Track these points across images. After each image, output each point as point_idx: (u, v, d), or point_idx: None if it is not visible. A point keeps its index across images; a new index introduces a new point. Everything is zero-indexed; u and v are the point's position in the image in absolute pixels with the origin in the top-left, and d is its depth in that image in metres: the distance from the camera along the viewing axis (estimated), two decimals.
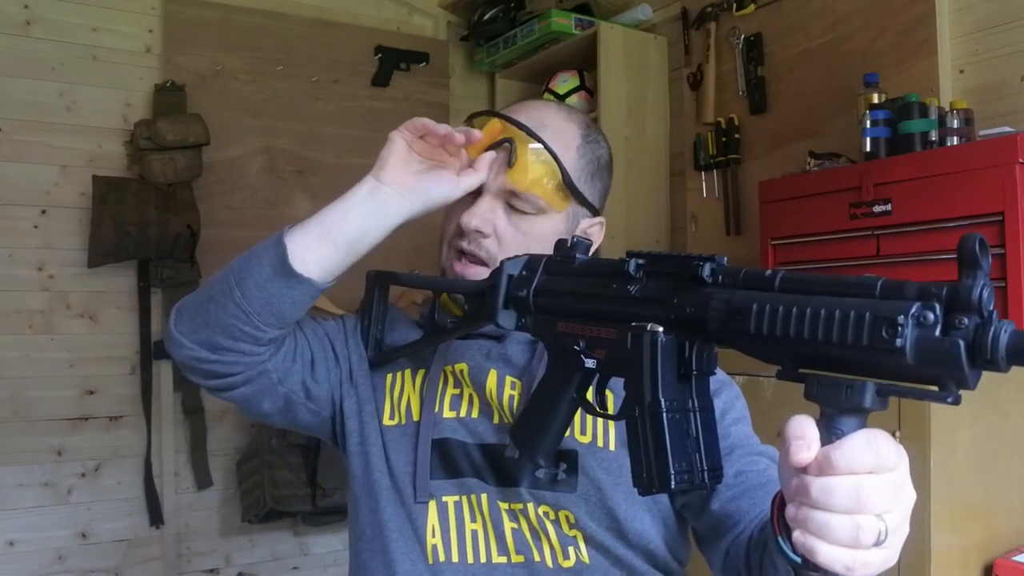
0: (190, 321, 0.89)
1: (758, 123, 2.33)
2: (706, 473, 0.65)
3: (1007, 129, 1.61)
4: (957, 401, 0.49)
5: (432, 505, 0.92)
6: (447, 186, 0.92)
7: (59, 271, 2.43)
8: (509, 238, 0.94)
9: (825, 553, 0.52)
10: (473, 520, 0.92)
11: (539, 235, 0.95)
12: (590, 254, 1.03)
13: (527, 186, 0.93)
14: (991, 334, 0.47)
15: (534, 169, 0.93)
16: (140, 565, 2.50)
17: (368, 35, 2.86)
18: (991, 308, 0.48)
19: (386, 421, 0.97)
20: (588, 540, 0.91)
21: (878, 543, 0.51)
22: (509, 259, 0.84)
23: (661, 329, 0.65)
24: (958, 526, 1.38)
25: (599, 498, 0.90)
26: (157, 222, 2.41)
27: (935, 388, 0.50)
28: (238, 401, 0.94)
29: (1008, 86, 1.78)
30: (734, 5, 2.37)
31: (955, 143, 1.67)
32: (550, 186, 0.94)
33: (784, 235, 1.86)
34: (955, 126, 1.69)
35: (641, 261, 0.70)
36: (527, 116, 0.96)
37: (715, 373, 0.67)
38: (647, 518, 0.91)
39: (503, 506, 0.91)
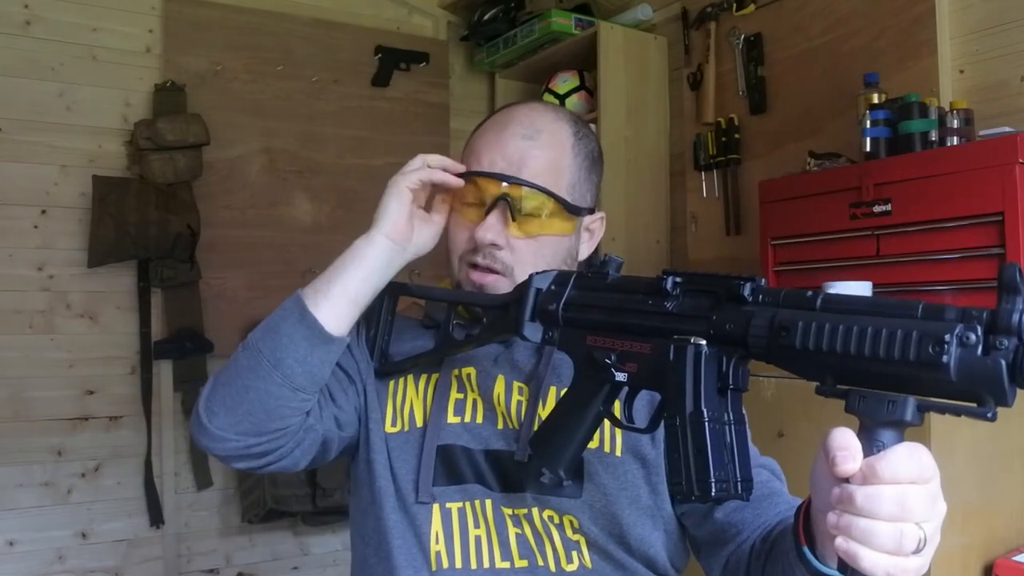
0: (229, 415, 0.87)
1: (758, 123, 2.33)
2: (740, 484, 0.67)
3: (1007, 129, 1.60)
4: (994, 417, 0.52)
5: (436, 511, 0.92)
6: (430, 232, 0.96)
7: (59, 271, 2.43)
8: (522, 247, 0.94)
9: (868, 559, 0.53)
10: (477, 526, 0.92)
11: (551, 241, 0.96)
12: (592, 248, 1.03)
13: (536, 232, 0.94)
14: None
15: (536, 215, 0.94)
16: (140, 565, 2.50)
17: (368, 35, 2.86)
18: None
19: (388, 428, 0.97)
20: (591, 545, 0.91)
21: (917, 550, 0.54)
22: (537, 273, 0.85)
23: (704, 342, 0.67)
24: (958, 526, 1.38)
25: (604, 504, 0.91)
26: (157, 222, 2.41)
27: (973, 404, 0.52)
28: (286, 468, 0.93)
29: (1008, 86, 1.78)
30: (734, 5, 2.37)
31: (955, 143, 1.67)
32: (556, 219, 0.95)
33: (784, 235, 1.86)
34: (955, 126, 1.69)
35: (679, 279, 0.71)
36: (519, 124, 0.96)
37: (747, 389, 0.69)
38: (649, 524, 0.92)
39: (507, 512, 0.92)
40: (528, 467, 0.89)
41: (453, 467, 0.93)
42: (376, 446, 0.96)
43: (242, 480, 2.55)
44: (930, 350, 0.51)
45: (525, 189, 0.92)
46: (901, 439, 0.55)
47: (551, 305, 0.81)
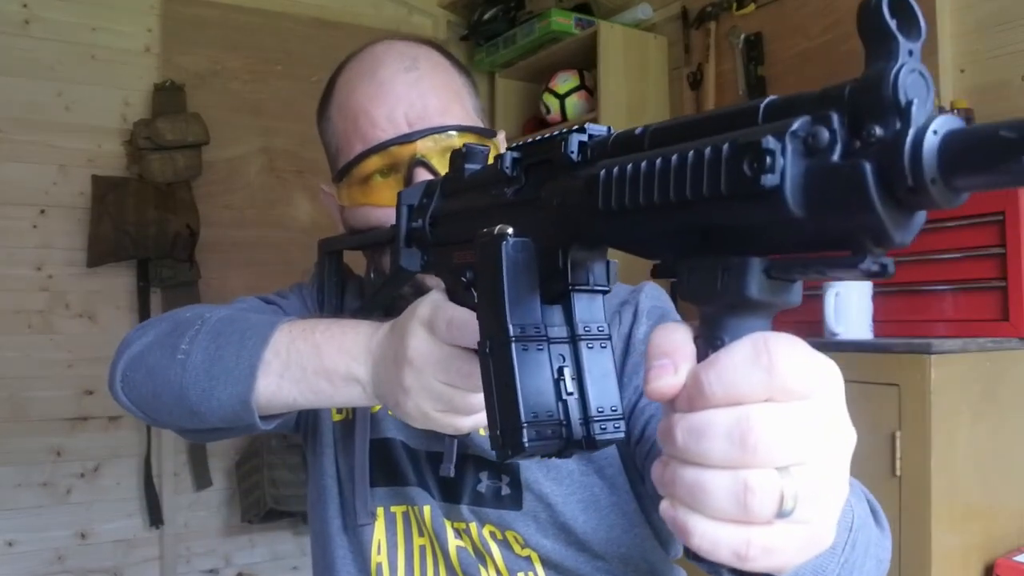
0: (144, 401, 0.75)
1: None
2: (590, 424, 0.45)
3: None
4: (883, 271, 0.31)
5: (379, 514, 0.84)
6: None
7: (58, 271, 2.43)
8: None
9: (701, 533, 0.33)
10: (420, 534, 0.84)
11: None
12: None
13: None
14: (909, 141, 0.29)
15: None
16: (139, 565, 2.49)
17: (368, 35, 2.81)
18: (911, 99, 0.30)
19: (335, 416, 0.88)
20: (545, 561, 0.80)
21: (782, 513, 0.32)
22: (408, 188, 0.68)
23: (510, 230, 0.46)
24: (958, 526, 1.38)
25: (549, 514, 0.79)
26: (156, 222, 2.41)
27: (847, 254, 0.32)
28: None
29: (1008, 86, 1.77)
30: (734, 4, 2.37)
31: None
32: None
33: None
34: None
35: (516, 155, 0.51)
36: (393, 59, 0.82)
37: (607, 289, 0.48)
38: (618, 524, 0.79)
39: (447, 523, 0.82)
40: (460, 476, 0.79)
41: (392, 466, 0.83)
42: (325, 438, 0.88)
43: (242, 480, 2.55)
44: (745, 170, 0.31)
45: (443, 134, 0.79)
46: (754, 329, 0.35)
47: (418, 222, 0.64)
